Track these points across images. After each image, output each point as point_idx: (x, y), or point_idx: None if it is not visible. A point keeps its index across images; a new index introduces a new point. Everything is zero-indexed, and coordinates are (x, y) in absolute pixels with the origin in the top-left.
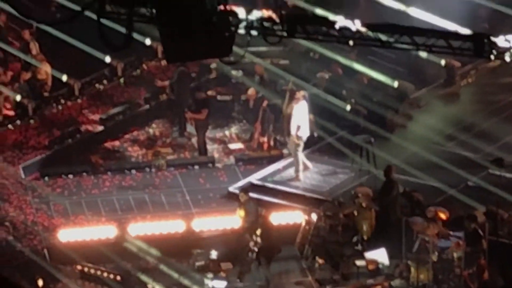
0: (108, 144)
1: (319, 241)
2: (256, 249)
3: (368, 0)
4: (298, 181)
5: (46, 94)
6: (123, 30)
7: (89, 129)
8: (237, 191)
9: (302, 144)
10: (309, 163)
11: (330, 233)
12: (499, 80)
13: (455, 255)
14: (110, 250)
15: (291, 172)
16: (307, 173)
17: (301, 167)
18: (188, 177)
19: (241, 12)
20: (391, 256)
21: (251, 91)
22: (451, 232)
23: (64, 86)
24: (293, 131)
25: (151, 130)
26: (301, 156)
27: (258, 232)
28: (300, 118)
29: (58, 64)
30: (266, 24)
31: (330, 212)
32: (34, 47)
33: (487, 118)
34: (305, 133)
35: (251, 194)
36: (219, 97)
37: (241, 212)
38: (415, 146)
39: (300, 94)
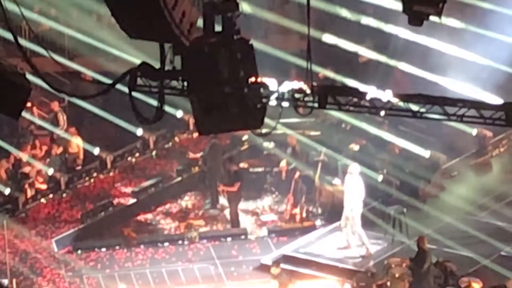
0: (140, 217)
1: None
2: None
3: (400, 70)
4: (369, 255)
5: (78, 167)
6: (154, 103)
7: (122, 202)
8: (269, 263)
9: (358, 217)
10: (351, 242)
11: None
12: None
13: None
14: None
15: (324, 243)
16: (340, 244)
17: (365, 238)
18: (221, 249)
19: (272, 83)
20: None
21: (283, 163)
22: None
23: (96, 159)
24: (347, 205)
25: (183, 203)
26: (358, 231)
27: None
28: (353, 192)
29: (90, 138)
30: (297, 95)
31: (363, 283)
32: (62, 118)
33: None
34: (359, 206)
35: (285, 266)
36: (251, 169)
37: (274, 285)
38: (448, 216)
39: (352, 168)
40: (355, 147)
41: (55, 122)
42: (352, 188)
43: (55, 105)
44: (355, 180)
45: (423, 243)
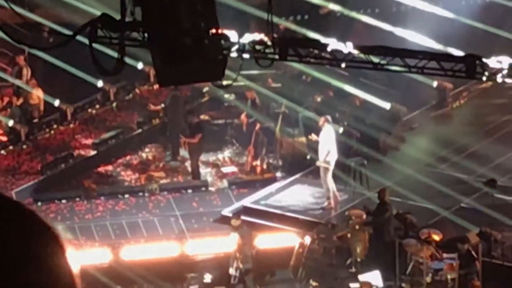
0: (101, 169)
1: (313, 264)
2: (237, 274)
3: (361, 22)
4: (331, 209)
5: (38, 119)
6: (115, 54)
7: (82, 154)
8: (230, 215)
9: (331, 170)
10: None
11: (323, 256)
12: (491, 101)
13: (448, 276)
14: (104, 274)
15: (284, 195)
16: (300, 196)
17: (331, 194)
18: (181, 201)
19: (233, 35)
20: (385, 278)
21: (242, 116)
22: (444, 254)
23: (57, 111)
24: (321, 156)
25: (144, 155)
26: (331, 182)
27: (243, 255)
28: (327, 143)
29: (50, 89)
30: (258, 47)
31: (324, 234)
32: (27, 73)
33: (480, 139)
34: (333, 157)
35: (245, 218)
36: (212, 121)
37: (234, 236)
38: (408, 168)
39: (322, 119)
40: (319, 98)
41: (19, 76)
42: (327, 138)
43: (21, 59)
44: (328, 130)
45: (384, 195)
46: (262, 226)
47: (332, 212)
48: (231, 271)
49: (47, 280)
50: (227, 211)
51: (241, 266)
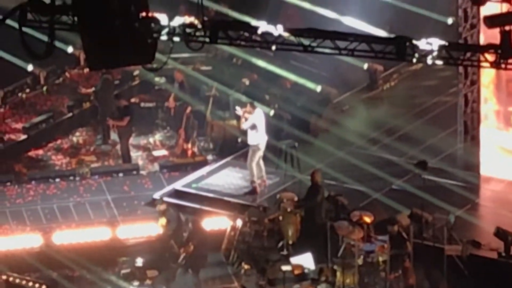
0: (31, 153)
1: (244, 247)
2: (183, 256)
3: (291, 5)
4: (256, 193)
5: None
6: (45, 38)
7: (12, 138)
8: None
9: (260, 153)
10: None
11: (255, 239)
12: (421, 83)
13: (380, 258)
14: (35, 259)
15: (215, 178)
16: (232, 179)
17: (256, 177)
18: (112, 184)
19: (163, 18)
20: (316, 261)
21: (170, 99)
22: (376, 236)
23: None
24: (250, 141)
25: (74, 138)
26: (260, 164)
27: (186, 238)
28: (257, 126)
29: None
30: (188, 30)
31: (255, 217)
32: None
33: (410, 121)
34: (263, 140)
35: (177, 201)
36: (142, 104)
37: (162, 221)
38: (339, 151)
39: (250, 108)
40: (247, 81)
41: None
42: (257, 122)
43: None
44: (258, 114)
45: (316, 177)
46: (194, 209)
47: (258, 196)
48: (177, 251)
49: None
50: (158, 195)
51: (182, 249)
